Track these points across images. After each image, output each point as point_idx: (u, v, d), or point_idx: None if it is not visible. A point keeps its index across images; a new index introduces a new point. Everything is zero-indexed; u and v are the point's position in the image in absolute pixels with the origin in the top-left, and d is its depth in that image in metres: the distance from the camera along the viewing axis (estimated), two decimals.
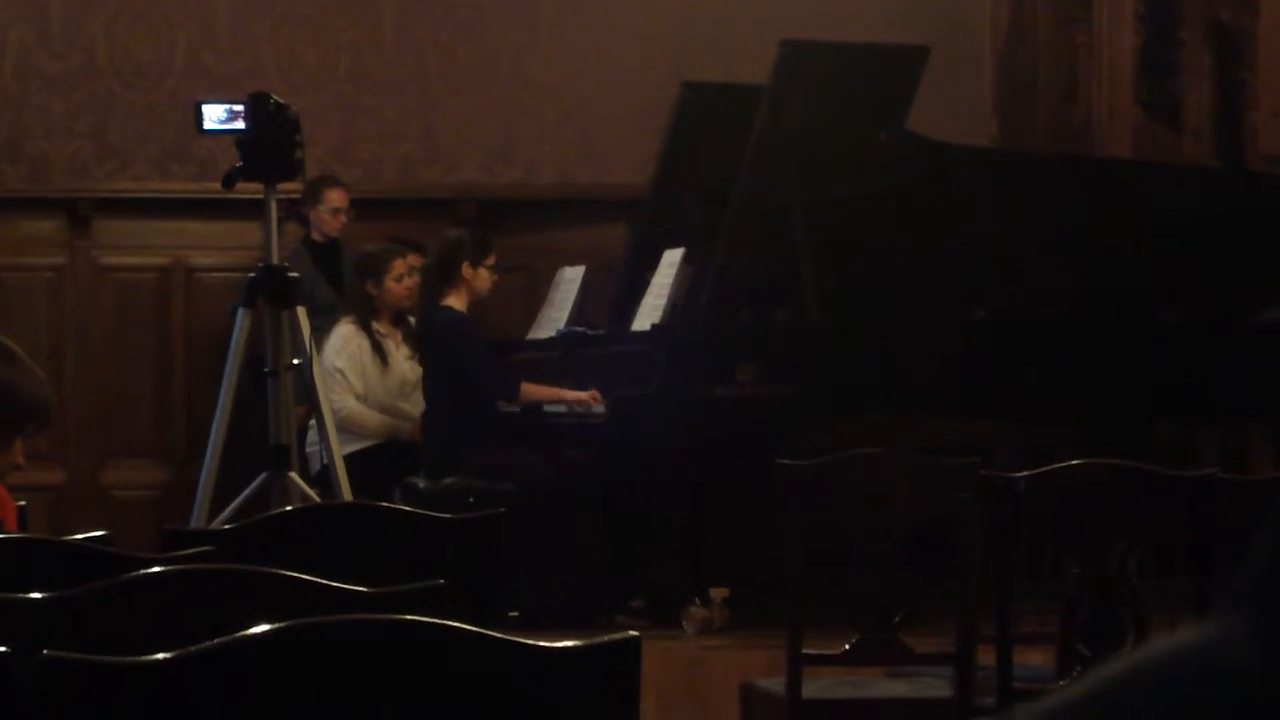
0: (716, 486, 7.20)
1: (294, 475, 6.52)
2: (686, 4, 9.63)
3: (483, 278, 7.86)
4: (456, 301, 7.84)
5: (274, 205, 6.67)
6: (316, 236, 8.79)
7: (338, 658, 1.99)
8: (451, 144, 9.55)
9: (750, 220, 7.53)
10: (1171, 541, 4.64)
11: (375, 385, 8.27)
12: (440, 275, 7.85)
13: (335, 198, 8.75)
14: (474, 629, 2.00)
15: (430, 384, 7.92)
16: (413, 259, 8.38)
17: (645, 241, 8.34)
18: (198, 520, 6.41)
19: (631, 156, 9.34)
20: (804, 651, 4.66)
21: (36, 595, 2.49)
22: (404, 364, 8.34)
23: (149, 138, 9.32)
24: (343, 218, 8.76)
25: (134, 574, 2.61)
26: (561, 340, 8.12)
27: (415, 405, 8.22)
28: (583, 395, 7.60)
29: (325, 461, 6.98)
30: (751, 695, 5.02)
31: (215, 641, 1.95)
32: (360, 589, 2.44)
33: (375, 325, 8.29)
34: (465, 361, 7.74)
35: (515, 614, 6.43)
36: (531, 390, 7.78)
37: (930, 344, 7.46)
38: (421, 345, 8.06)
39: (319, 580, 2.45)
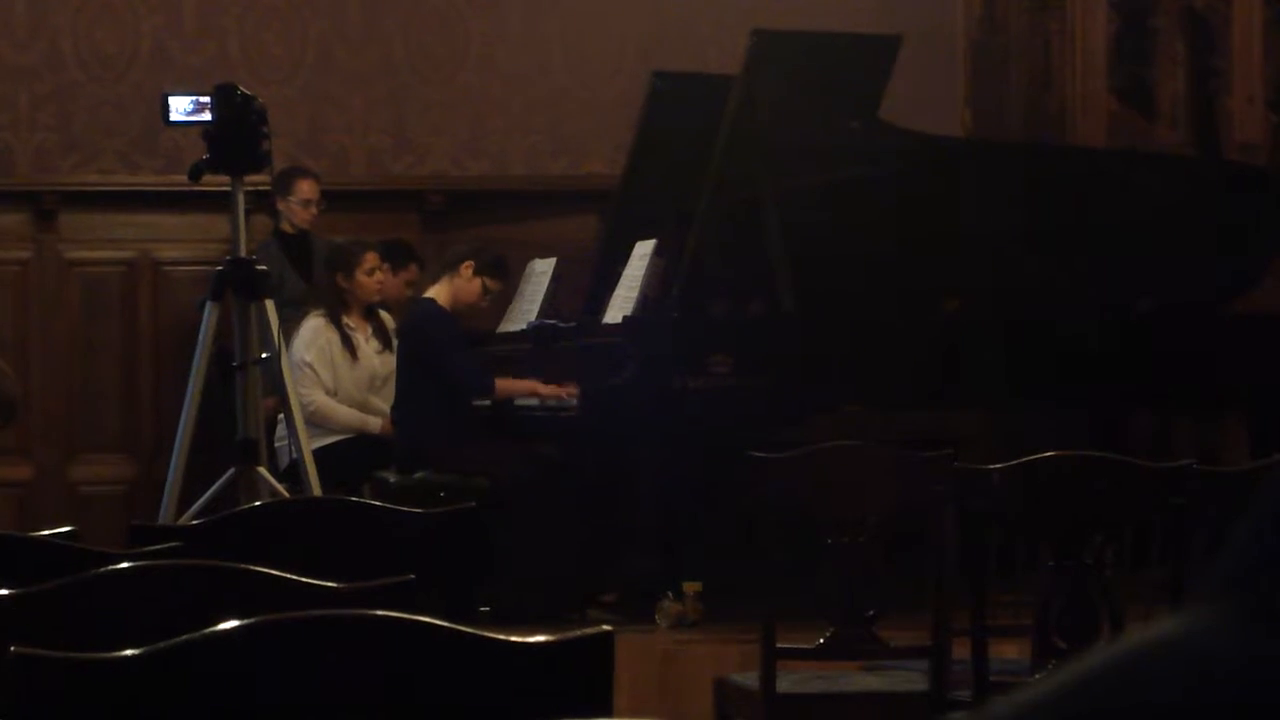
0: (689, 480, 7.19)
1: (262, 470, 6.49)
2: None
3: (475, 288, 7.94)
4: (441, 292, 7.87)
5: (241, 197, 6.64)
6: (286, 228, 8.75)
7: (307, 654, 1.98)
8: (420, 135, 9.52)
9: (722, 211, 7.52)
10: (1146, 532, 4.64)
11: (344, 379, 8.24)
12: (442, 266, 7.95)
13: (306, 189, 8.72)
14: (445, 624, 2.00)
15: (404, 375, 7.91)
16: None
17: (617, 233, 8.33)
18: (166, 516, 6.38)
19: (602, 147, 9.33)
20: (778, 645, 4.66)
21: (3, 591, 2.47)
22: (373, 358, 8.32)
23: (115, 130, 9.27)
24: (314, 209, 8.73)
25: (102, 570, 2.60)
26: (533, 333, 8.10)
27: (385, 399, 8.21)
28: (559, 390, 7.59)
29: (294, 456, 6.95)
30: (725, 689, 5.01)
31: (184, 637, 1.95)
32: (330, 584, 2.43)
33: (345, 319, 8.26)
34: (442, 355, 7.75)
35: (487, 609, 6.41)
36: (507, 386, 7.79)
37: (904, 335, 7.46)
38: (399, 334, 8.08)
39: (288, 576, 2.44)
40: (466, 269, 7.92)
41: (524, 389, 7.77)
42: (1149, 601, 4.45)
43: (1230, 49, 8.99)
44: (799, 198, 7.44)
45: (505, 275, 8.18)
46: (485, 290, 8.00)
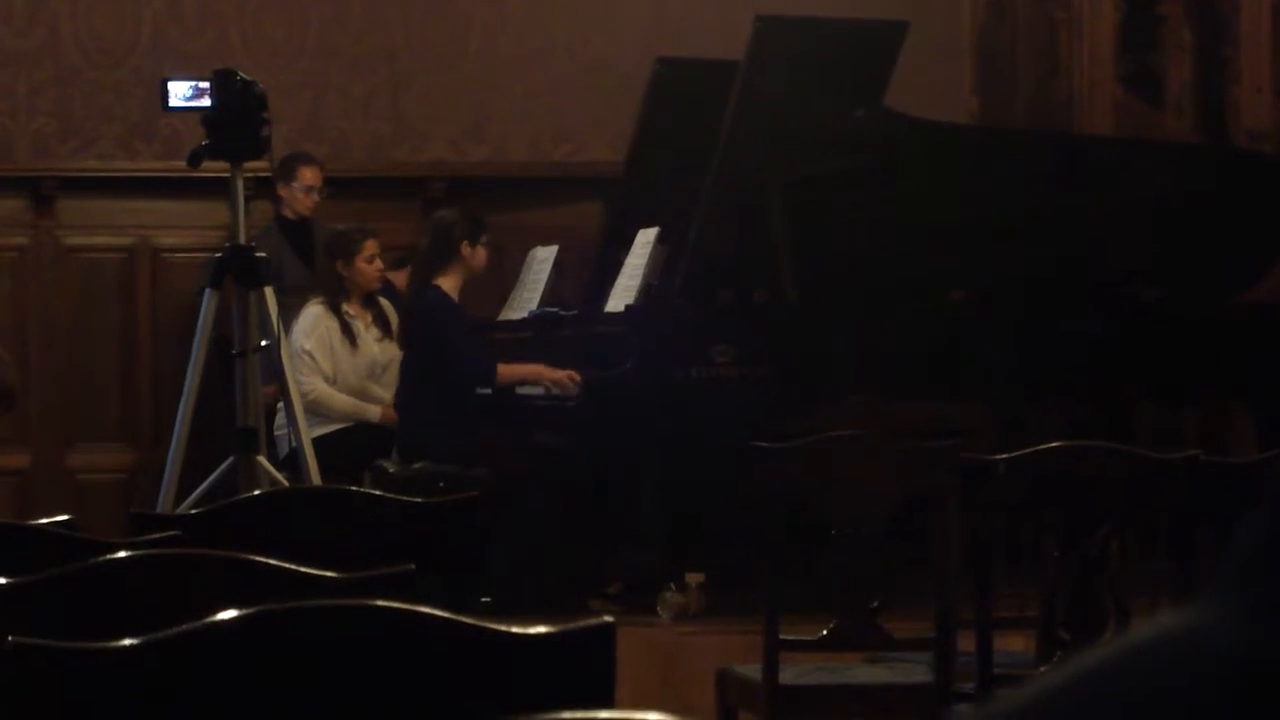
0: (692, 470, 7.17)
1: (262, 459, 6.48)
2: None
3: (480, 255, 7.92)
4: (449, 282, 7.86)
5: (240, 184, 6.63)
6: (288, 214, 8.73)
7: (307, 643, 1.99)
8: (421, 121, 9.51)
9: (726, 199, 7.50)
10: (1153, 524, 4.63)
11: (344, 367, 8.23)
12: (436, 255, 7.88)
13: (309, 175, 8.70)
14: (446, 614, 2.00)
15: (409, 364, 7.90)
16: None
17: (619, 220, 8.32)
18: (165, 504, 6.38)
19: (605, 134, 9.31)
20: (781, 637, 4.66)
21: (2, 580, 2.47)
22: (373, 346, 8.30)
23: (113, 116, 9.25)
24: (316, 196, 8.72)
25: (100, 559, 2.61)
26: (534, 321, 8.09)
27: (385, 388, 8.20)
28: (559, 374, 7.56)
29: (293, 444, 6.95)
30: (728, 681, 5.00)
31: (183, 627, 1.95)
32: (329, 574, 2.44)
33: (345, 307, 8.25)
34: (447, 342, 7.73)
35: (488, 599, 6.39)
36: (508, 371, 7.76)
37: (908, 325, 7.45)
38: (407, 324, 8.05)
39: (288, 565, 2.46)
40: (466, 248, 7.87)
41: (527, 373, 7.74)
42: (1155, 594, 4.44)
43: (1238, 37, 8.99)
44: (803, 186, 7.43)
45: (485, 220, 8.12)
46: (485, 248, 7.98)
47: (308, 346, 8.12)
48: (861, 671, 5.05)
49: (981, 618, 4.47)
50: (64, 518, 3.45)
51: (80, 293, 9.20)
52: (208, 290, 6.65)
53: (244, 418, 6.53)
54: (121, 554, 2.68)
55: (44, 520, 3.40)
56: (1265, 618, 0.85)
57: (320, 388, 8.12)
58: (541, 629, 2.01)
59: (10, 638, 1.93)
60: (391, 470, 7.62)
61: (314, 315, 8.20)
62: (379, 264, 8.31)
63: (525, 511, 7.40)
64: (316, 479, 6.49)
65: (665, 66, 8.37)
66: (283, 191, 8.64)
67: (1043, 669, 4.30)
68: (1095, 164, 7.94)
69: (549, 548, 7.38)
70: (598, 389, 7.37)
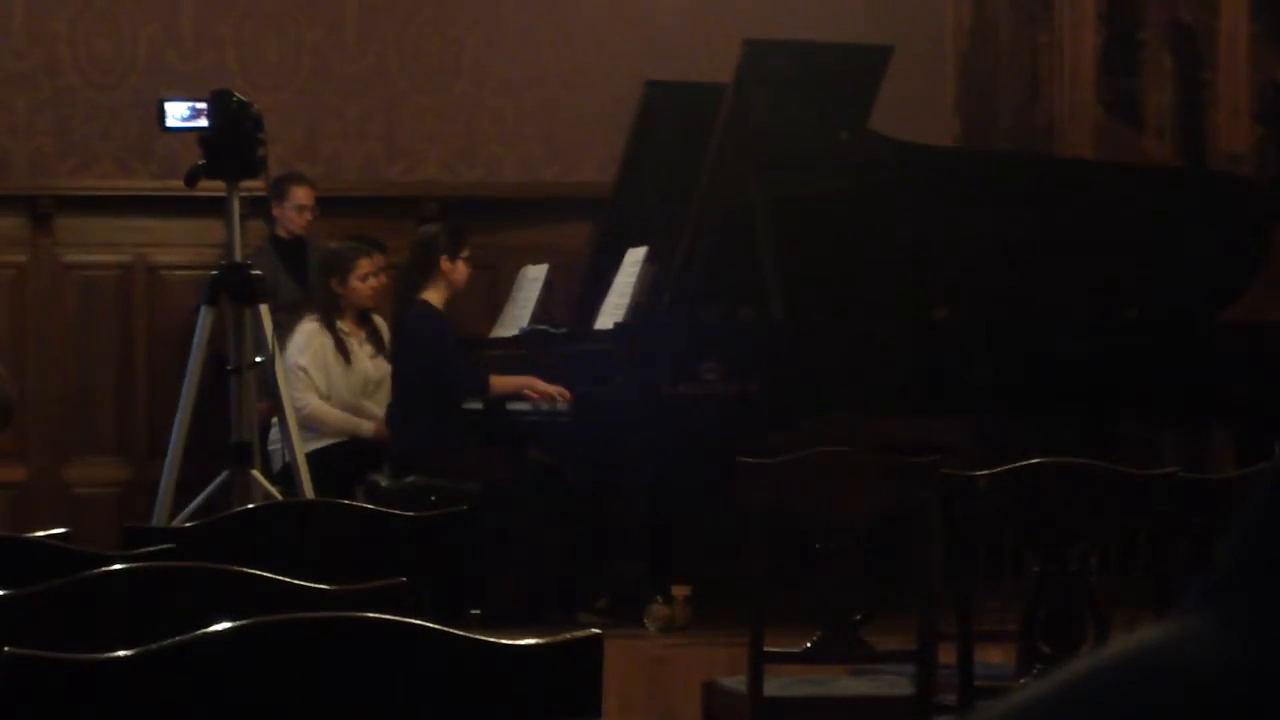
0: (679, 485, 7.20)
1: (256, 473, 6.50)
2: (650, 2, 9.63)
3: (460, 270, 7.91)
4: (434, 296, 7.87)
5: (236, 203, 6.65)
6: (281, 233, 8.77)
7: (300, 656, 1.99)
8: (414, 142, 9.54)
9: (713, 219, 7.54)
10: (1132, 540, 4.66)
11: (338, 383, 8.26)
12: (418, 270, 7.90)
13: (301, 195, 8.74)
14: (436, 627, 2.01)
15: (399, 379, 7.92)
16: (377, 258, 8.43)
17: (608, 240, 8.35)
18: (159, 518, 6.40)
19: (595, 155, 9.34)
20: (766, 649, 4.66)
21: None
22: (367, 362, 8.33)
23: (111, 135, 9.28)
24: (308, 215, 8.75)
25: (95, 572, 2.60)
26: (525, 339, 8.12)
27: (378, 403, 8.22)
28: (550, 388, 7.59)
29: (287, 459, 6.97)
30: (713, 693, 5.02)
31: (177, 639, 1.95)
32: (322, 587, 2.44)
33: (339, 323, 8.28)
34: (436, 356, 7.75)
35: (477, 612, 6.42)
36: (500, 383, 7.78)
37: (892, 342, 7.48)
38: (394, 339, 8.08)
39: (281, 578, 2.45)
40: (445, 262, 7.89)
41: (519, 384, 7.76)
42: (1134, 608, 4.48)
43: (1217, 61, 9.01)
44: (789, 206, 7.46)
45: (467, 234, 8.13)
46: (466, 264, 7.97)
47: (302, 362, 8.15)
48: (844, 683, 5.05)
49: (962, 631, 4.48)
50: (60, 531, 3.40)
51: (78, 309, 9.23)
52: (203, 307, 6.67)
53: (239, 432, 6.55)
54: (117, 567, 2.67)
55: (40, 533, 3.35)
56: (1242, 628, 0.85)
57: (314, 403, 8.15)
58: (531, 641, 2.02)
59: (6, 649, 1.93)
60: (384, 484, 7.64)
61: (308, 332, 8.23)
62: (373, 282, 8.35)
63: (515, 525, 7.43)
64: (310, 493, 6.51)
65: (654, 89, 8.40)
66: (275, 211, 8.67)
67: (1023, 681, 4.34)
68: (1075, 186, 7.97)
69: (538, 561, 7.41)
70: (587, 405, 7.40)
